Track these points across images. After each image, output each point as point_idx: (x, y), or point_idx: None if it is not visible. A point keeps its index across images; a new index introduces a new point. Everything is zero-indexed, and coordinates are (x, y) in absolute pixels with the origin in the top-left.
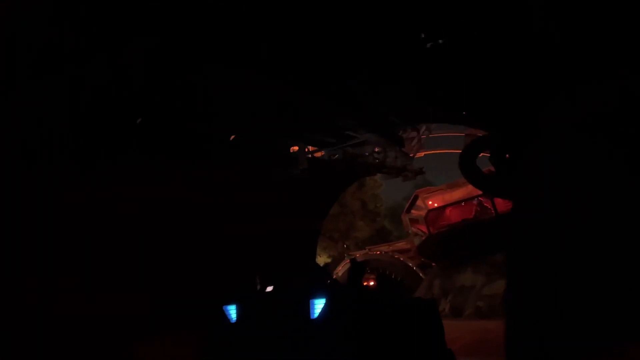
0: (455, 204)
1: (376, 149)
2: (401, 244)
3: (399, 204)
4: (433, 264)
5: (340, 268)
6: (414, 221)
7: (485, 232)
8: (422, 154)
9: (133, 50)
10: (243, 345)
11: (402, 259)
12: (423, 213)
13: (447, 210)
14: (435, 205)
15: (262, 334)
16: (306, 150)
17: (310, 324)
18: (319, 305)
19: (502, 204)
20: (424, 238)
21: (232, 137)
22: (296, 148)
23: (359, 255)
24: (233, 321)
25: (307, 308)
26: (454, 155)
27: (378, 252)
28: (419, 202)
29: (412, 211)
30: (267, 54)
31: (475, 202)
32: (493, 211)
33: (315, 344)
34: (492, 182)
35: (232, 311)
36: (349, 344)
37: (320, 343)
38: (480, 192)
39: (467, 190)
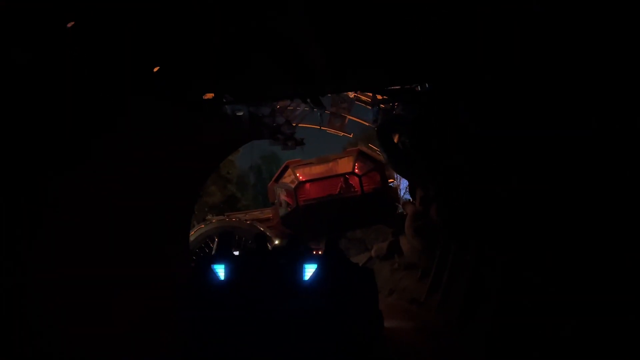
0: (324, 179)
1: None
2: (256, 213)
3: (245, 173)
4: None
5: (192, 232)
6: (282, 191)
7: (349, 209)
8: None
9: None
10: (233, 302)
11: (262, 228)
12: (292, 184)
13: (316, 184)
14: (305, 177)
15: (253, 292)
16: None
17: (299, 285)
18: (309, 270)
19: (368, 184)
20: (290, 209)
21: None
22: None
23: (215, 220)
24: (220, 279)
25: (299, 271)
26: (322, 132)
27: (235, 220)
28: (288, 173)
29: (281, 181)
30: None
31: (341, 178)
32: (358, 190)
33: (303, 302)
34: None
35: (219, 270)
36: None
37: (307, 301)
38: (348, 170)
39: (336, 166)
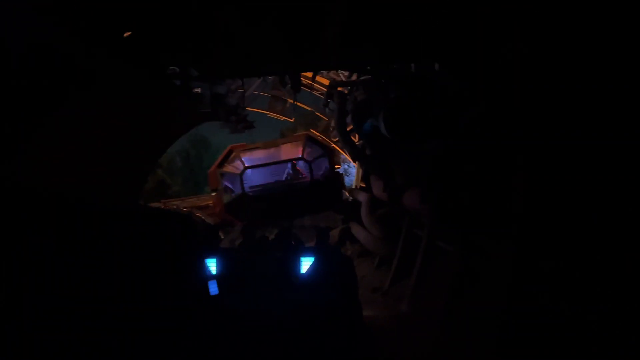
0: (271, 164)
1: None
2: (193, 200)
3: (172, 158)
4: (234, 224)
5: None
6: (225, 177)
7: (297, 195)
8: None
9: None
10: (228, 298)
11: (201, 216)
12: (237, 170)
13: (262, 170)
14: (250, 163)
15: (249, 287)
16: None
17: (297, 279)
18: (306, 263)
19: (317, 170)
20: (235, 196)
21: None
22: None
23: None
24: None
25: (296, 265)
26: (259, 115)
27: (174, 207)
28: (232, 158)
29: (225, 167)
30: None
31: (289, 164)
32: (306, 176)
33: (303, 296)
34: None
35: (211, 265)
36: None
37: (307, 295)
38: (297, 155)
39: (284, 151)
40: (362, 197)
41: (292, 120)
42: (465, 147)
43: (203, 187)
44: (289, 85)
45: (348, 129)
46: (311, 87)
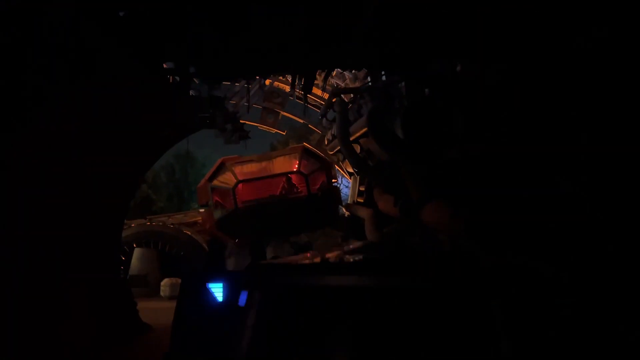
0: (265, 178)
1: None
2: (180, 216)
3: (157, 173)
4: (226, 242)
5: None
6: (216, 191)
7: (293, 210)
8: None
9: None
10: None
11: (189, 233)
12: (229, 184)
13: (256, 184)
14: (244, 176)
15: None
16: None
17: None
18: None
19: (313, 184)
20: (227, 211)
21: None
22: None
23: (134, 225)
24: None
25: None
26: (255, 129)
27: (160, 224)
28: (224, 171)
29: (216, 181)
30: None
31: (284, 178)
32: (303, 190)
33: None
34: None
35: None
36: None
37: None
38: (293, 168)
39: (279, 164)
40: (363, 212)
41: (283, 133)
42: (505, 154)
43: (189, 203)
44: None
45: (351, 139)
46: (304, 100)
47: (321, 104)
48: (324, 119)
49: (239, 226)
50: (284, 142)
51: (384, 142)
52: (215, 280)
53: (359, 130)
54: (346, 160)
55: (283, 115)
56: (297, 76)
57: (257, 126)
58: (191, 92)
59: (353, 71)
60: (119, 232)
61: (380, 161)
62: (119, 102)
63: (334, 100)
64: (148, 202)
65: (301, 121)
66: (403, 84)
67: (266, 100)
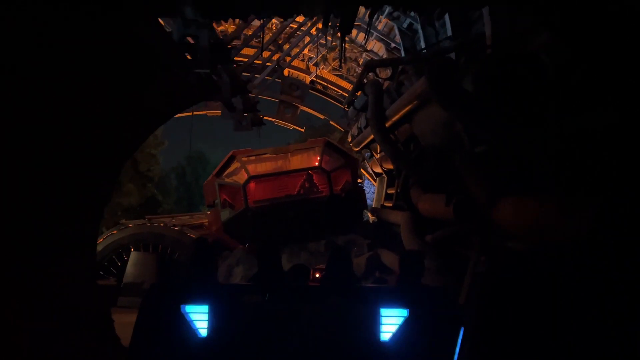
0: (281, 174)
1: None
2: (186, 217)
3: (167, 174)
4: (234, 247)
5: (100, 240)
6: (224, 189)
7: (312, 213)
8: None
9: None
10: None
11: (193, 236)
12: (240, 180)
13: (270, 181)
14: (257, 172)
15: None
16: None
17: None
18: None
19: (337, 183)
20: (236, 212)
21: None
22: None
23: (132, 225)
24: (201, 337)
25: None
26: (270, 125)
27: (160, 225)
28: (235, 166)
29: (225, 176)
30: None
31: (304, 175)
32: (324, 189)
33: None
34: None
35: (198, 317)
36: None
37: None
38: (313, 164)
39: (297, 159)
40: (397, 217)
41: (302, 130)
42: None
43: (199, 206)
44: (299, 91)
45: (388, 124)
46: (325, 92)
47: (344, 96)
48: (350, 109)
49: (249, 229)
50: (303, 141)
51: (455, 104)
52: (196, 299)
53: (398, 113)
54: (373, 158)
55: (302, 111)
56: (333, 12)
57: (273, 121)
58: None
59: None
60: (96, 230)
61: (423, 151)
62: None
63: (365, 80)
64: (154, 204)
65: (321, 117)
66: (454, 54)
67: (284, 92)
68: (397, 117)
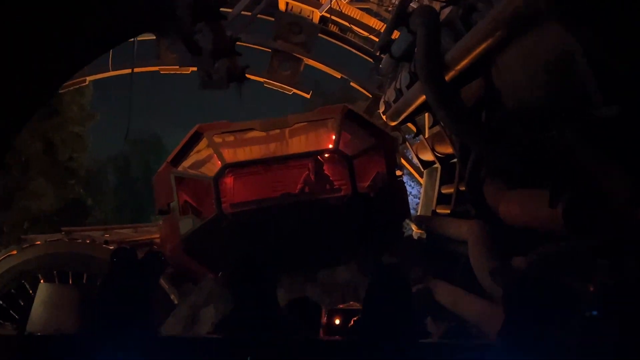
0: (275, 161)
1: None
2: (127, 230)
3: (102, 168)
4: (200, 276)
5: None
6: (185, 185)
7: (322, 224)
8: None
9: None
10: None
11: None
12: (211, 171)
13: (257, 173)
14: (236, 157)
15: None
16: None
17: None
18: None
19: (363, 175)
20: (204, 220)
21: None
22: None
23: (40, 242)
24: None
25: None
26: (260, 89)
27: (84, 242)
28: (203, 149)
29: (185, 164)
30: None
31: (309, 163)
32: (343, 185)
33: None
34: None
35: None
36: None
37: None
38: (325, 145)
39: (300, 137)
40: (461, 228)
41: (307, 97)
42: None
43: (149, 215)
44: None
45: (448, 77)
46: (343, 37)
47: (374, 41)
48: (384, 58)
49: (224, 248)
50: (308, 111)
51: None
52: None
53: (466, 57)
54: (418, 138)
55: (307, 67)
56: None
57: (262, 83)
58: None
59: None
60: None
61: (508, 118)
62: None
63: (410, 7)
64: (79, 210)
65: (337, 75)
66: None
67: (279, 37)
68: (464, 63)
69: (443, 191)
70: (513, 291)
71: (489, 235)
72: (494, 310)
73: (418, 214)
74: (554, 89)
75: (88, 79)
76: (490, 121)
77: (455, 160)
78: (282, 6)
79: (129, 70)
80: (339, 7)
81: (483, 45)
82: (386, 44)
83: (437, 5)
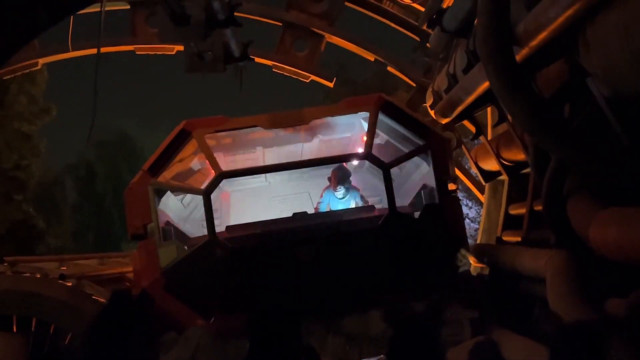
0: (282, 169)
1: None
2: (92, 262)
3: (60, 177)
4: (184, 322)
5: None
6: (167, 203)
7: (349, 254)
8: None
9: None
10: None
11: (102, 299)
12: (202, 179)
13: (259, 184)
14: (234, 164)
15: None
16: None
17: None
18: None
19: (406, 190)
20: (192, 248)
21: None
22: None
23: None
24: None
25: None
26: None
27: (39, 277)
28: (190, 153)
29: (166, 174)
30: None
31: (334, 172)
32: (376, 202)
33: None
34: None
35: None
36: None
37: None
38: (353, 149)
39: (321, 140)
40: (536, 260)
41: (330, 85)
42: None
43: (119, 242)
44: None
45: (519, 58)
46: (377, 6)
47: (419, 12)
48: (434, 33)
49: (217, 285)
50: (331, 103)
51: None
52: None
53: (546, 28)
54: (478, 140)
55: (330, 45)
56: None
57: (270, 66)
58: None
59: None
60: None
61: (601, 111)
62: None
63: None
64: (27, 234)
65: (371, 57)
66: None
67: (293, 7)
68: (541, 37)
69: (511, 212)
70: None
71: (574, 269)
72: None
73: (478, 242)
74: None
75: (41, 61)
76: (578, 116)
77: (528, 170)
78: None
79: (94, 50)
80: None
81: (569, 12)
82: (436, 14)
83: None
